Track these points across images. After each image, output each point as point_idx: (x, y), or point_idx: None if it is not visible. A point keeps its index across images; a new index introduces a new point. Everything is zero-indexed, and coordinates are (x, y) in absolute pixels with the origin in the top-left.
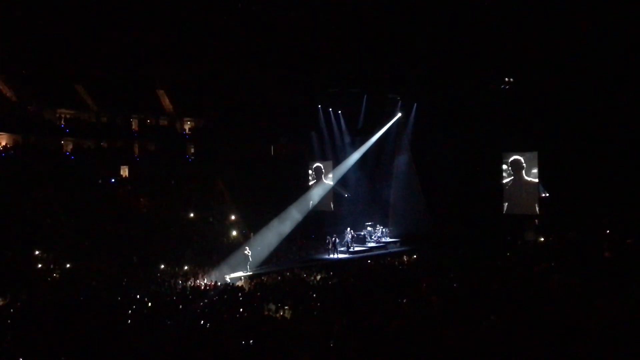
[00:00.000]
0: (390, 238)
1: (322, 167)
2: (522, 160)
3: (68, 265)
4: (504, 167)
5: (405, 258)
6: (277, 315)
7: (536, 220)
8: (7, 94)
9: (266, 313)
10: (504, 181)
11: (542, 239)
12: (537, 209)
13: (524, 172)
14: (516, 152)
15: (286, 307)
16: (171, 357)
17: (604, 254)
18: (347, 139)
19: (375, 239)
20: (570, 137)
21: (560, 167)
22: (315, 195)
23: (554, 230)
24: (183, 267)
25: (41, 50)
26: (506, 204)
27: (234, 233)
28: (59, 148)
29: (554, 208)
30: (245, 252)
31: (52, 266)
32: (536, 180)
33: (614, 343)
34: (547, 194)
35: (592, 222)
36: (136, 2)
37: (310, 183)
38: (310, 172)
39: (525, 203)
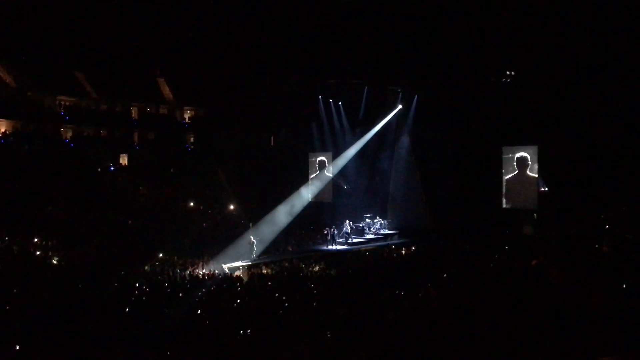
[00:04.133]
0: (389, 230)
1: (325, 161)
2: (528, 158)
3: (67, 253)
4: (509, 162)
5: (403, 250)
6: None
7: (535, 215)
8: (7, 80)
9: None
10: (507, 177)
11: (541, 233)
12: (536, 203)
13: (528, 169)
14: (516, 145)
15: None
16: (169, 346)
17: (602, 248)
18: (348, 131)
19: (373, 230)
20: (571, 131)
21: (560, 162)
22: (315, 186)
23: (553, 224)
24: (182, 256)
25: (41, 37)
26: (505, 199)
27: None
28: (58, 135)
29: (553, 202)
30: (251, 241)
31: (50, 254)
32: (536, 174)
33: (611, 337)
34: (547, 188)
35: (591, 216)
36: None
37: (312, 176)
38: (312, 164)
39: (525, 197)
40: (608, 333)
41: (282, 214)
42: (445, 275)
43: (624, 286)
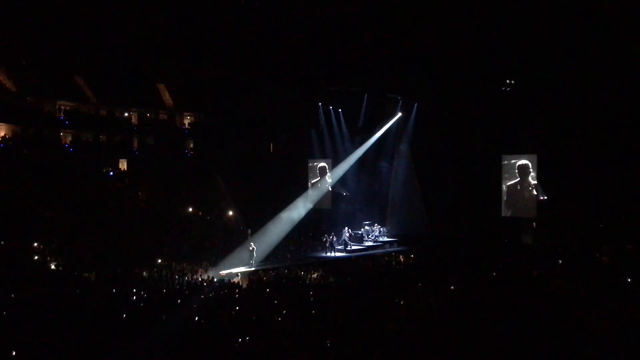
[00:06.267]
0: (388, 237)
1: (325, 167)
2: (530, 166)
3: (65, 258)
4: (510, 169)
5: (402, 258)
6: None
7: (534, 224)
8: (7, 85)
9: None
10: (508, 183)
11: (539, 243)
12: (535, 212)
13: (529, 177)
14: (515, 154)
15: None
16: (166, 352)
17: (602, 258)
18: (347, 138)
19: (372, 238)
20: (570, 140)
21: (560, 170)
22: (315, 194)
23: (552, 234)
24: (180, 262)
25: (41, 41)
26: (504, 206)
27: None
28: (57, 140)
29: (552, 211)
30: (250, 247)
31: (48, 259)
32: (535, 182)
33: (613, 347)
34: (546, 197)
35: (590, 226)
36: None
37: (313, 181)
38: (311, 170)
39: (524, 206)
40: (609, 343)
41: (281, 221)
42: (444, 283)
43: (625, 297)
